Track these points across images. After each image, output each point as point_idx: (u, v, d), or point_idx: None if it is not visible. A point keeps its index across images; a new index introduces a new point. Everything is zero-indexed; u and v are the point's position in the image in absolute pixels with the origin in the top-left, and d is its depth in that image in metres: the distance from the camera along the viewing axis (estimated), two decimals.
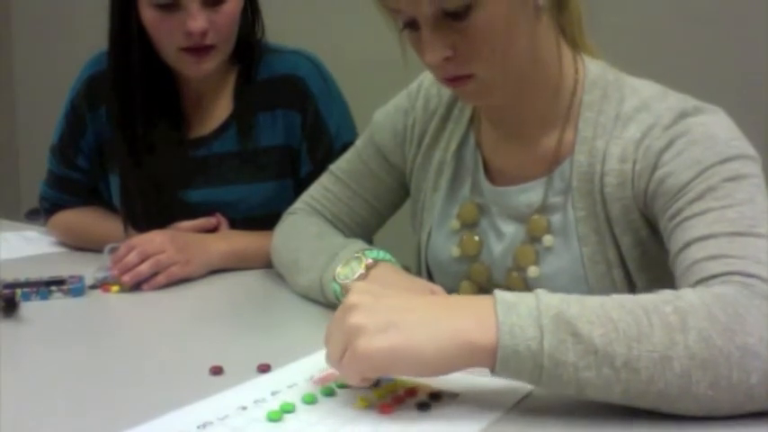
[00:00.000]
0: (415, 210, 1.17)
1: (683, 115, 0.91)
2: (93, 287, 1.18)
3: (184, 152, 1.40)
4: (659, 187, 0.89)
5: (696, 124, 0.90)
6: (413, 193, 1.17)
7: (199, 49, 1.29)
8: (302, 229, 1.19)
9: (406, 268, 1.07)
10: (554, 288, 0.95)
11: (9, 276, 1.17)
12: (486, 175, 1.06)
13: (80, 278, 1.17)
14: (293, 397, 0.75)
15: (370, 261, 1.00)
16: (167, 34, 1.29)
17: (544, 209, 1.00)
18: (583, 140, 0.97)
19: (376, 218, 1.22)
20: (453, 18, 0.87)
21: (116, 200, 1.44)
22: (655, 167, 0.90)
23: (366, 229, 1.22)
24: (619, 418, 0.69)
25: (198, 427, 0.69)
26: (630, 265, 0.95)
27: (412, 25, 0.91)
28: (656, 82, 0.99)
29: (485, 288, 1.04)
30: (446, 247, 1.09)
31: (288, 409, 0.72)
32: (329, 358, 0.73)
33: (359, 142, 1.22)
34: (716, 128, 0.89)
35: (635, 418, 0.69)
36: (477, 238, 1.06)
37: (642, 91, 0.96)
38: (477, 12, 0.86)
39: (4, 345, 0.93)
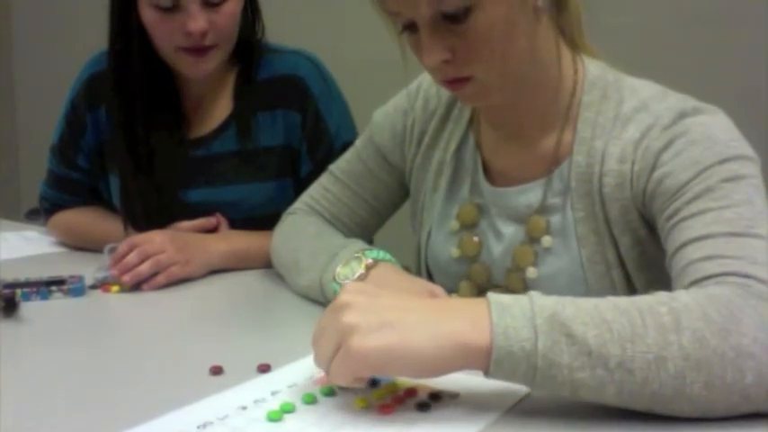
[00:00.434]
0: (414, 210, 1.17)
1: (682, 115, 0.91)
2: (93, 287, 1.18)
3: (184, 152, 1.40)
4: (657, 187, 0.89)
5: (695, 124, 0.90)
6: (412, 194, 1.17)
7: (198, 49, 1.29)
8: (302, 229, 1.19)
9: (406, 268, 1.07)
10: (553, 289, 0.95)
11: (9, 276, 1.17)
12: (486, 176, 1.06)
13: (80, 278, 1.17)
14: (293, 397, 0.75)
15: (370, 261, 1.00)
16: (167, 34, 1.29)
17: (543, 210, 1.00)
18: (581, 141, 0.97)
19: (376, 218, 1.22)
20: (452, 21, 0.87)
21: (116, 200, 1.44)
22: (653, 168, 0.90)
23: (366, 229, 1.22)
24: (618, 419, 0.69)
25: (198, 427, 0.69)
26: (629, 265, 0.95)
27: (411, 28, 0.91)
28: (656, 82, 0.99)
29: (484, 289, 1.04)
30: (446, 247, 1.09)
31: (288, 409, 0.72)
32: (319, 358, 0.72)
33: (358, 142, 1.22)
34: (715, 128, 0.89)
35: (634, 418, 0.69)
36: (476, 238, 1.06)
37: (642, 91, 0.96)
38: (476, 14, 0.86)
39: (4, 345, 0.93)
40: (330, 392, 0.76)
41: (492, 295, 0.71)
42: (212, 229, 1.36)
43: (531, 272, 1.00)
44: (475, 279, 1.06)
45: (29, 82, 3.31)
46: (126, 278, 1.17)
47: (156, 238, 1.21)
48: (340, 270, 1.01)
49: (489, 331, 0.67)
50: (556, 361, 0.66)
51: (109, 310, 1.13)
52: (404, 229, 1.22)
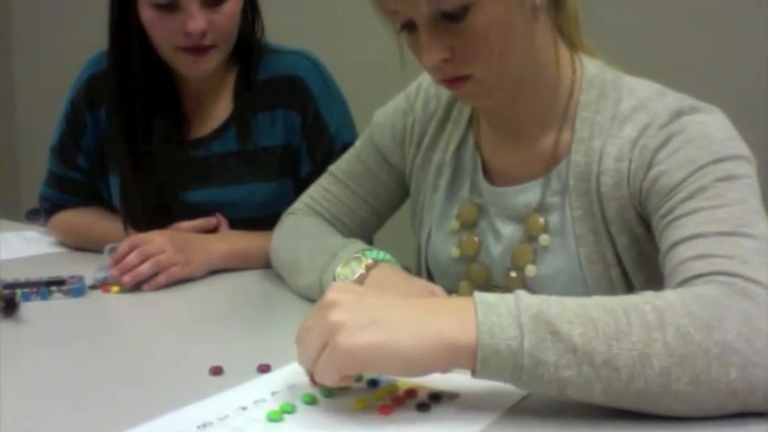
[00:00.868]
0: (414, 210, 1.17)
1: (678, 114, 0.91)
2: (93, 287, 1.18)
3: (184, 152, 1.40)
4: (653, 186, 0.89)
5: (692, 123, 0.90)
6: (412, 194, 1.17)
7: (197, 49, 1.29)
8: (302, 229, 1.19)
9: (407, 268, 1.07)
10: (553, 288, 0.95)
11: (9, 276, 1.17)
12: (485, 176, 1.06)
13: (80, 278, 1.17)
14: (293, 397, 0.75)
15: (370, 261, 1.00)
16: (166, 34, 1.29)
17: (541, 209, 1.00)
18: (580, 140, 0.97)
19: (376, 218, 1.22)
20: (450, 20, 0.87)
21: (116, 200, 1.44)
22: (649, 166, 0.90)
23: (366, 229, 1.22)
24: (618, 419, 0.69)
25: (198, 427, 0.69)
26: (627, 264, 0.96)
27: (409, 27, 0.91)
28: (656, 82, 0.99)
29: (483, 289, 1.04)
30: (445, 247, 1.09)
31: (288, 410, 0.72)
32: (303, 357, 0.72)
33: (358, 143, 1.22)
34: (712, 127, 0.89)
35: (632, 419, 0.69)
36: (476, 238, 1.06)
37: (640, 91, 0.96)
38: (475, 13, 0.86)
39: (4, 345, 0.93)
40: (330, 393, 0.76)
41: (478, 294, 0.71)
42: (212, 230, 1.36)
43: (531, 269, 1.00)
44: (474, 279, 1.06)
45: (29, 82, 3.31)
46: (126, 278, 1.17)
47: (156, 239, 1.22)
48: (340, 270, 1.01)
49: (475, 330, 0.67)
50: (542, 359, 0.66)
51: (109, 310, 1.13)
52: (404, 229, 1.22)
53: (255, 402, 0.75)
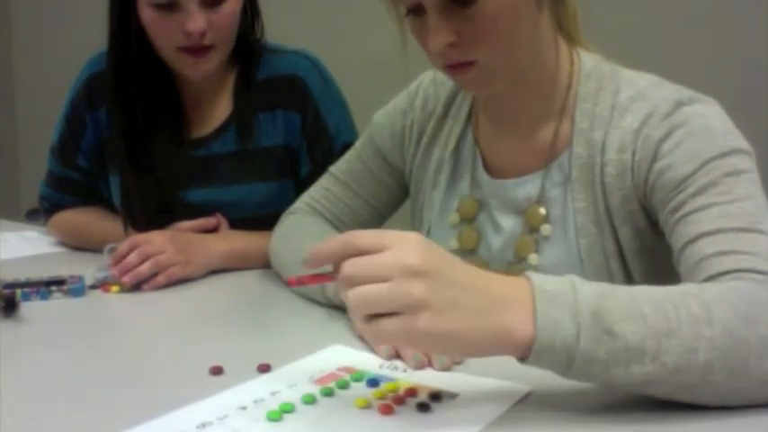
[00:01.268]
0: (414, 209, 1.17)
1: (679, 104, 0.92)
2: (93, 287, 1.18)
3: (184, 152, 1.40)
4: (659, 179, 0.90)
5: (693, 114, 0.91)
6: (412, 193, 1.17)
7: (197, 49, 1.29)
8: (302, 229, 1.19)
9: None
10: None
11: (9, 276, 1.17)
12: (485, 170, 1.06)
13: (80, 278, 1.17)
14: (293, 397, 0.75)
15: None
16: (166, 34, 1.29)
17: (542, 201, 1.00)
18: (580, 132, 0.98)
19: (376, 218, 1.22)
20: (460, 4, 0.88)
21: (116, 200, 1.44)
22: (654, 158, 0.91)
23: (366, 229, 1.22)
24: (618, 417, 0.69)
25: (198, 427, 0.69)
26: (628, 255, 0.96)
27: (416, 12, 0.91)
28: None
29: None
30: (445, 240, 1.08)
31: (288, 409, 0.72)
32: (363, 302, 0.66)
33: (358, 143, 1.22)
34: (712, 119, 0.91)
35: (635, 416, 0.69)
36: (475, 233, 1.06)
37: (637, 81, 0.97)
38: None
39: (4, 345, 0.93)
40: (330, 392, 0.76)
41: (535, 279, 0.69)
42: (212, 230, 1.36)
43: (533, 258, 1.00)
44: None
45: (29, 82, 3.31)
46: (126, 278, 1.17)
47: (156, 239, 1.21)
48: None
49: (533, 323, 0.67)
50: (594, 357, 0.67)
51: (109, 310, 1.13)
52: (404, 229, 1.21)
53: (255, 402, 0.74)
